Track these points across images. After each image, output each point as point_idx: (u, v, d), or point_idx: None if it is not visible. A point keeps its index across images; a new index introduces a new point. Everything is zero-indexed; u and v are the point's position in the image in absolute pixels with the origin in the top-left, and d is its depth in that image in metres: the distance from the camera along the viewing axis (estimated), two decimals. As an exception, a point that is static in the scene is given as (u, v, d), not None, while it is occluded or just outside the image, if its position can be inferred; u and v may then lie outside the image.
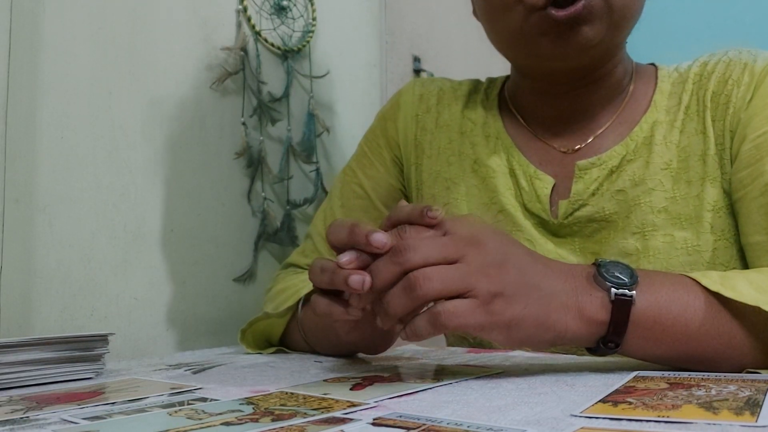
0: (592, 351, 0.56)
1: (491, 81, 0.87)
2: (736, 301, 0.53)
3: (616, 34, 0.70)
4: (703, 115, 0.72)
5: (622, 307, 0.52)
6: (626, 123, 0.75)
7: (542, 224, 0.74)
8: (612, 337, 0.53)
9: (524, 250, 0.55)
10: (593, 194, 0.72)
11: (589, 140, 0.75)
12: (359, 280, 0.50)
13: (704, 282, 0.54)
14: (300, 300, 0.74)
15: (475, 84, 0.87)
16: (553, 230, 0.74)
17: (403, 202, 0.56)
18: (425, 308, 0.51)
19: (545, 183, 0.74)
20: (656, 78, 0.77)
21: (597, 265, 0.55)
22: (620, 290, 0.52)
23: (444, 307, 0.50)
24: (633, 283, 0.53)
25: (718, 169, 0.70)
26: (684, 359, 0.55)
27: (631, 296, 0.52)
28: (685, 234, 0.70)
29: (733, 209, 0.70)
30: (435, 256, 0.50)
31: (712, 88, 0.72)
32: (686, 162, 0.71)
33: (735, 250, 0.70)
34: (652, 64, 0.79)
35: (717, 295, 0.54)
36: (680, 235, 0.70)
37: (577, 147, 0.75)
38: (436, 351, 0.77)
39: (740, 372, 0.54)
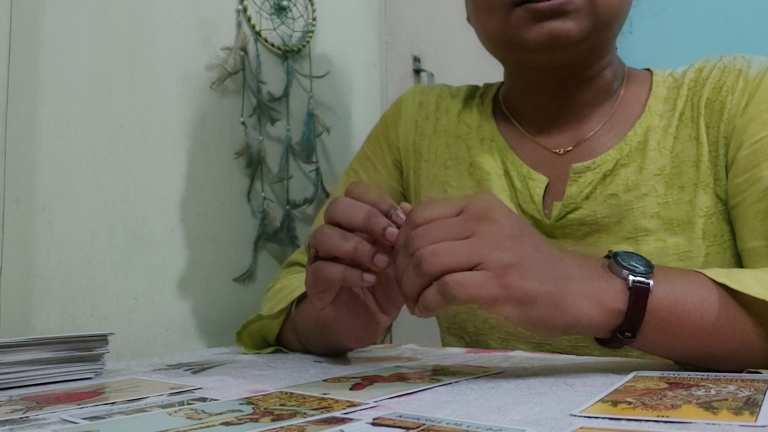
0: (606, 342, 0.54)
1: (487, 86, 0.88)
2: (745, 297, 0.52)
3: (601, 33, 0.71)
4: (697, 121, 0.72)
5: (639, 295, 0.51)
6: (619, 126, 0.75)
7: (536, 225, 0.74)
8: (628, 326, 0.51)
9: (538, 235, 0.54)
10: (587, 198, 0.73)
11: (581, 142, 0.76)
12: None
13: (710, 274, 0.54)
14: (294, 301, 0.75)
15: (473, 89, 0.89)
16: (547, 231, 0.74)
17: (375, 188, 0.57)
18: None
19: (539, 183, 0.75)
20: (651, 82, 0.77)
21: (611, 255, 0.54)
22: (638, 278, 0.51)
23: (453, 278, 0.48)
24: (649, 272, 0.52)
25: (711, 175, 0.70)
26: (698, 355, 0.54)
27: (649, 284, 0.51)
28: (677, 240, 0.69)
29: (728, 215, 0.69)
30: (444, 236, 0.50)
31: (707, 95, 0.72)
32: (679, 168, 0.71)
33: (728, 256, 0.69)
34: (648, 69, 0.80)
35: (725, 288, 0.53)
36: (672, 241, 0.69)
37: (569, 148, 0.76)
38: (435, 351, 0.77)
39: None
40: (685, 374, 0.51)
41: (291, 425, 0.39)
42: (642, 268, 0.52)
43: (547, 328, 0.51)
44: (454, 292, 0.48)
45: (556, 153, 0.76)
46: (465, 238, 0.50)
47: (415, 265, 0.50)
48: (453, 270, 0.49)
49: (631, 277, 0.51)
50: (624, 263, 0.52)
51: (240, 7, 0.99)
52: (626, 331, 0.52)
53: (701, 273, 0.55)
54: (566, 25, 0.68)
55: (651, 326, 0.52)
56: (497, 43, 0.75)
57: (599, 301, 0.51)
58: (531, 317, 0.50)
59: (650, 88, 0.76)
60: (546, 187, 0.75)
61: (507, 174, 0.78)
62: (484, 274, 0.49)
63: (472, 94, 0.88)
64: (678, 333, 0.53)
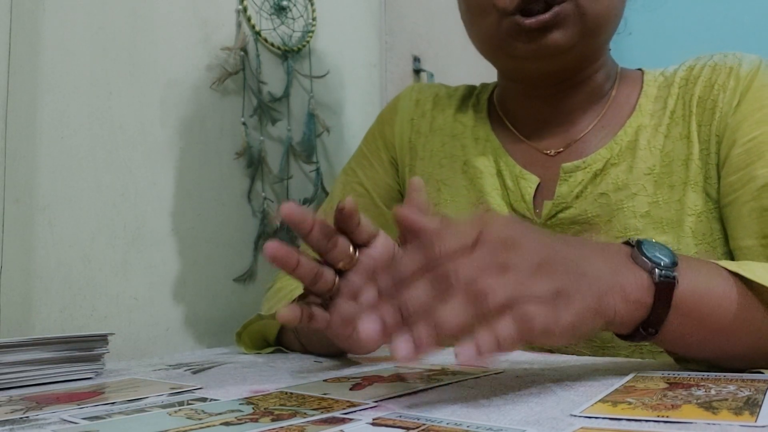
0: (627, 337, 0.52)
1: (484, 86, 0.89)
2: (763, 290, 0.52)
3: (591, 40, 0.72)
4: (688, 120, 0.72)
5: (665, 290, 0.49)
6: (610, 126, 0.76)
7: None
8: (652, 320, 0.50)
9: (555, 238, 0.51)
10: (577, 197, 0.73)
11: (572, 143, 0.76)
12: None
13: (722, 264, 0.53)
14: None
15: (470, 89, 0.90)
16: None
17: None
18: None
19: (530, 182, 0.76)
20: (642, 82, 0.77)
21: (635, 243, 0.52)
22: (664, 271, 0.49)
23: (532, 311, 0.43)
24: (674, 265, 0.50)
25: (701, 174, 0.70)
26: (717, 354, 0.53)
27: (674, 278, 0.49)
28: (666, 238, 0.69)
29: (719, 213, 0.69)
30: (479, 271, 0.44)
31: (698, 93, 0.72)
32: (669, 167, 0.71)
33: (718, 254, 0.69)
34: (639, 69, 0.80)
35: (739, 278, 0.52)
36: (661, 240, 0.69)
37: (560, 149, 0.77)
38: (435, 351, 0.76)
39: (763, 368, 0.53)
40: (685, 374, 0.51)
41: (291, 425, 0.39)
42: (668, 260, 0.50)
43: (587, 336, 0.49)
44: (537, 325, 0.43)
45: (547, 154, 0.77)
46: (501, 271, 0.44)
47: (472, 299, 0.43)
48: (517, 304, 0.43)
49: (657, 271, 0.49)
50: (649, 254, 0.50)
51: (240, 7, 0.99)
52: (649, 327, 0.50)
53: (720, 266, 0.53)
54: (555, 36, 0.69)
55: (674, 321, 0.50)
56: (487, 48, 0.76)
57: (627, 297, 0.49)
58: (578, 335, 0.47)
59: (641, 88, 0.77)
60: (537, 187, 0.75)
61: (499, 173, 0.78)
62: (542, 306, 0.44)
63: (468, 93, 0.89)
64: (699, 328, 0.52)
